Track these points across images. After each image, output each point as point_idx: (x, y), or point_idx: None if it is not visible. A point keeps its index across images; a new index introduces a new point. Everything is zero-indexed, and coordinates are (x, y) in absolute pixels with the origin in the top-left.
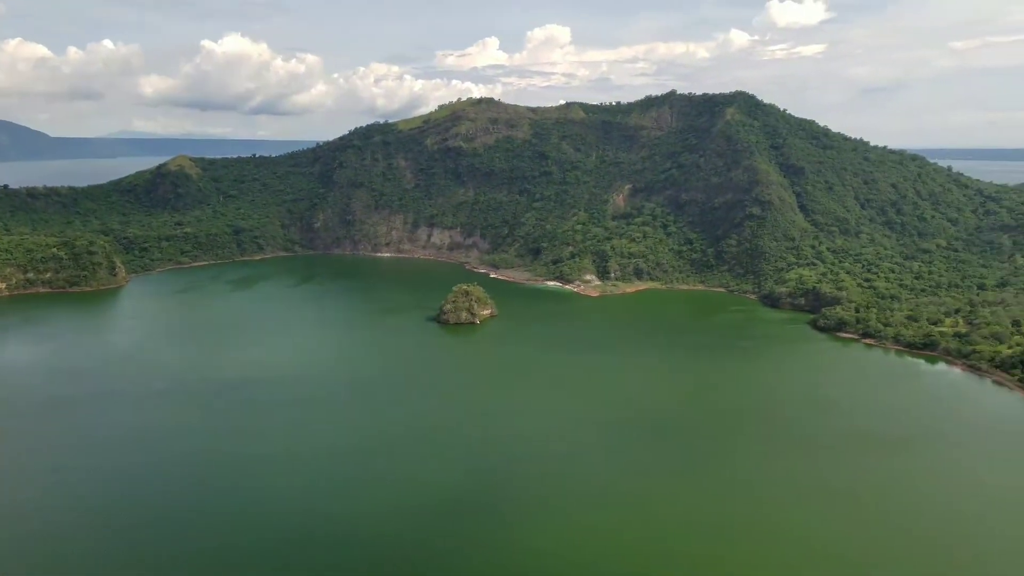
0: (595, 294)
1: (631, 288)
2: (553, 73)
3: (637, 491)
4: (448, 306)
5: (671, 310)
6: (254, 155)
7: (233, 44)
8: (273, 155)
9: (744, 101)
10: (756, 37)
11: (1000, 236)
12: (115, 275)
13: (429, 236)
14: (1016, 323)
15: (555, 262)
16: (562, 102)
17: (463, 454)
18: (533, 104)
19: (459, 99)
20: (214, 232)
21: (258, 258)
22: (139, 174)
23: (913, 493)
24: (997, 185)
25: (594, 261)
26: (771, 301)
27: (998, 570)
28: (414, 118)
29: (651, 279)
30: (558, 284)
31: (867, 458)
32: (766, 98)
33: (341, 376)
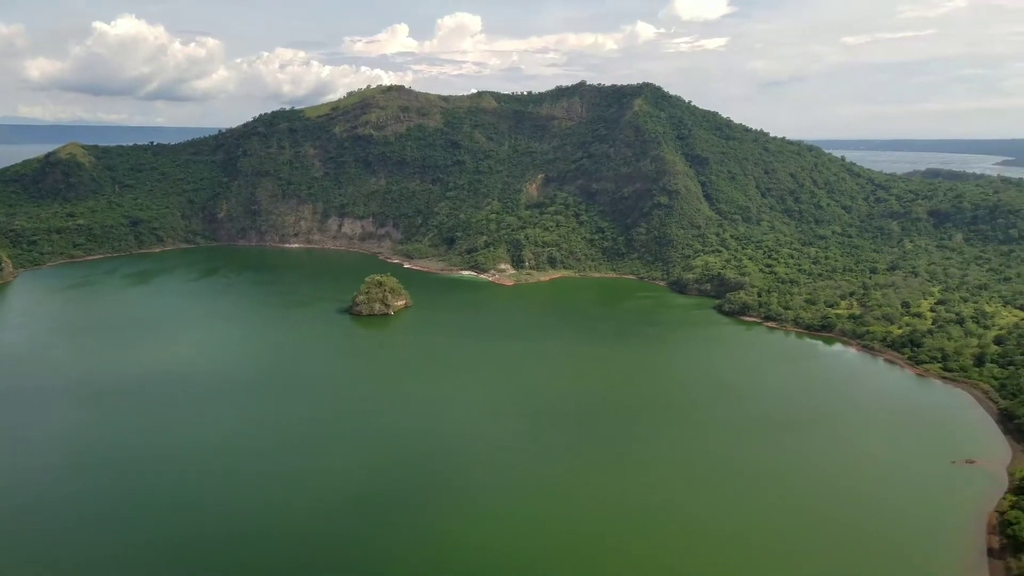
0: (510, 283)
1: (545, 276)
2: (464, 62)
3: (552, 477)
4: (361, 297)
5: (584, 298)
6: (152, 143)
7: (127, 26)
8: (172, 143)
9: (651, 92)
10: (661, 30)
11: (889, 223)
12: (0, 270)
13: (340, 226)
14: (905, 305)
15: (470, 251)
16: (474, 91)
17: (377, 446)
18: (444, 92)
19: (369, 86)
20: (109, 224)
21: (158, 251)
22: (26, 163)
23: (814, 470)
24: (886, 174)
25: (509, 250)
26: (679, 287)
27: (889, 541)
28: (322, 105)
29: (565, 267)
30: (473, 273)
31: (771, 438)
32: (672, 90)
33: (249, 372)
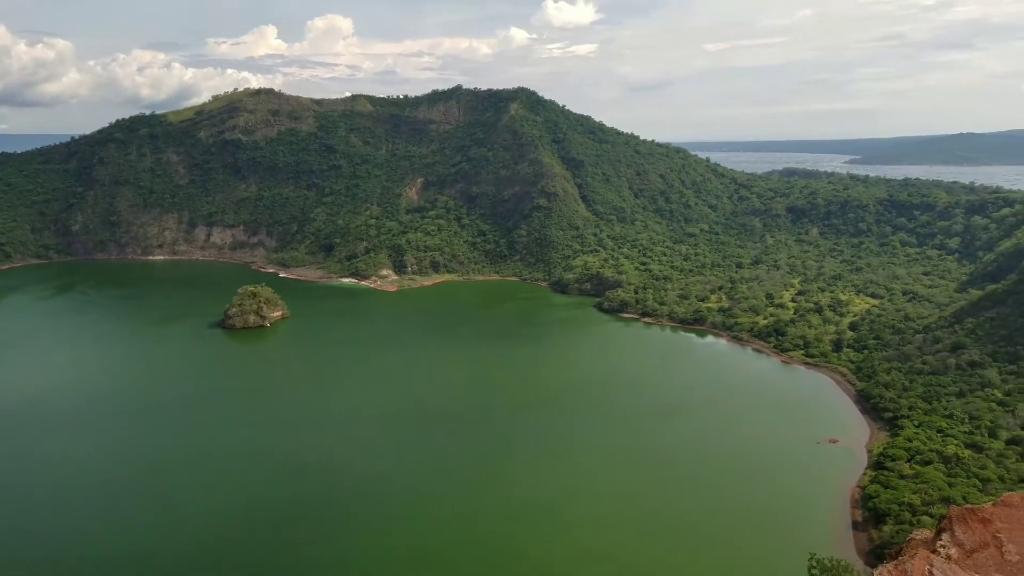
0: (392, 289)
1: (429, 281)
2: (337, 64)
3: (448, 480)
4: (234, 310)
5: (468, 301)
6: None
7: None
8: (19, 151)
9: (526, 97)
10: (534, 35)
11: (752, 219)
12: None
13: (208, 236)
14: (769, 296)
15: (349, 258)
16: (348, 94)
17: (256, 469)
18: (317, 96)
19: (236, 89)
20: None
21: (5, 267)
22: None
23: (695, 454)
24: (748, 174)
25: (390, 256)
26: (560, 287)
27: (766, 519)
28: (185, 109)
29: (448, 272)
30: (354, 281)
31: (654, 427)
32: (546, 94)
33: (110, 396)
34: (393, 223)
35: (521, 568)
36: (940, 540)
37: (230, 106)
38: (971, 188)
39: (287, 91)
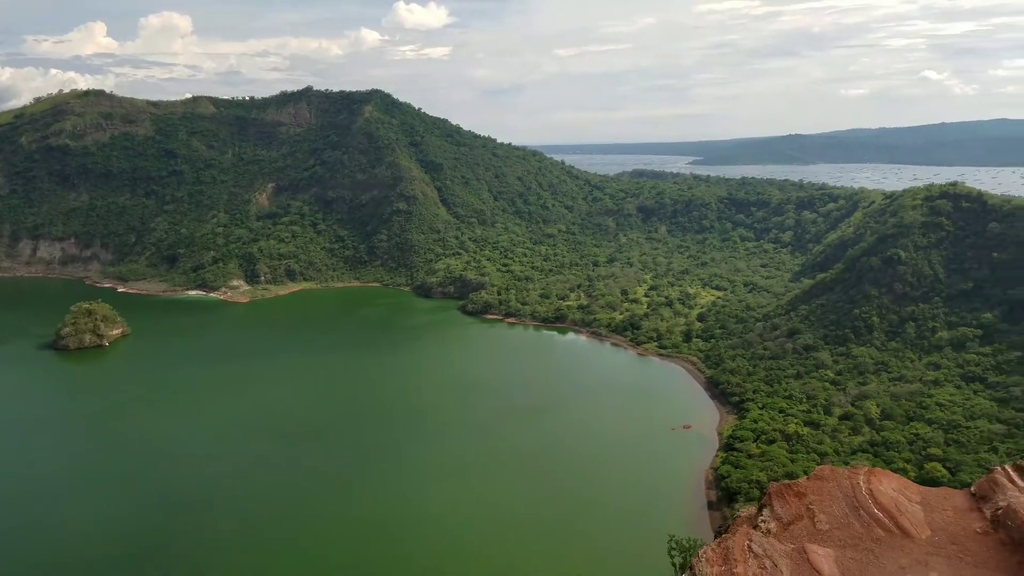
0: (245, 300)
1: (284, 291)
2: (175, 64)
3: (308, 495)
4: (67, 329)
5: (327, 309)
6: None
7: None
8: None
9: (381, 99)
10: (386, 37)
11: (606, 219)
12: None
13: (34, 250)
14: (624, 292)
15: (196, 269)
16: (188, 96)
17: (104, 499)
18: (154, 98)
19: (61, 91)
20: None
21: None
22: None
23: (561, 448)
24: (600, 175)
25: (241, 265)
26: (424, 291)
27: (627, 503)
28: (4, 112)
29: (305, 280)
30: (201, 293)
31: (520, 424)
32: (401, 96)
33: None
34: (243, 231)
35: None
36: (761, 515)
37: (55, 109)
38: (800, 185)
39: (120, 93)
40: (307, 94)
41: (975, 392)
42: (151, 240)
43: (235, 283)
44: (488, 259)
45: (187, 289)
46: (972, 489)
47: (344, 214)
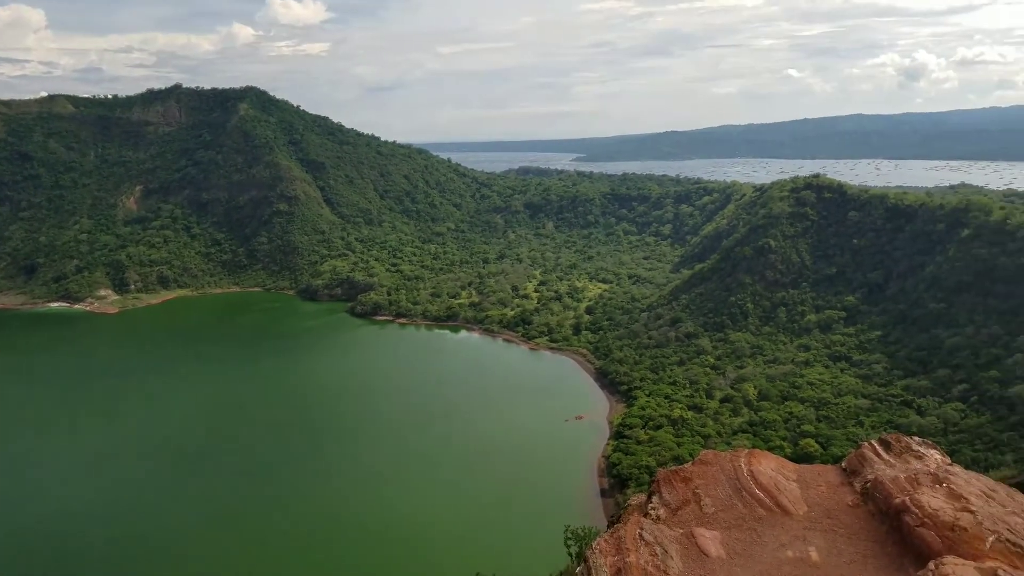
0: (114, 311)
1: (157, 299)
2: (28, 61)
3: (200, 531)
4: None
5: (205, 317)
6: None
7: None
8: None
9: (257, 96)
10: (260, 32)
11: (494, 216)
12: None
13: None
14: (515, 288)
15: (58, 279)
16: (44, 94)
17: None
18: (4, 96)
19: None
20: None
21: None
22: None
23: (460, 447)
24: (487, 173)
25: (108, 274)
26: (309, 294)
27: (525, 498)
28: None
29: (179, 287)
30: (65, 305)
31: (419, 427)
32: (279, 94)
33: None
34: (109, 237)
35: None
36: (651, 502)
37: None
38: (677, 180)
39: None
40: (177, 92)
41: (841, 370)
42: (6, 250)
43: (102, 293)
44: (376, 259)
45: (48, 301)
46: (843, 464)
47: (220, 216)
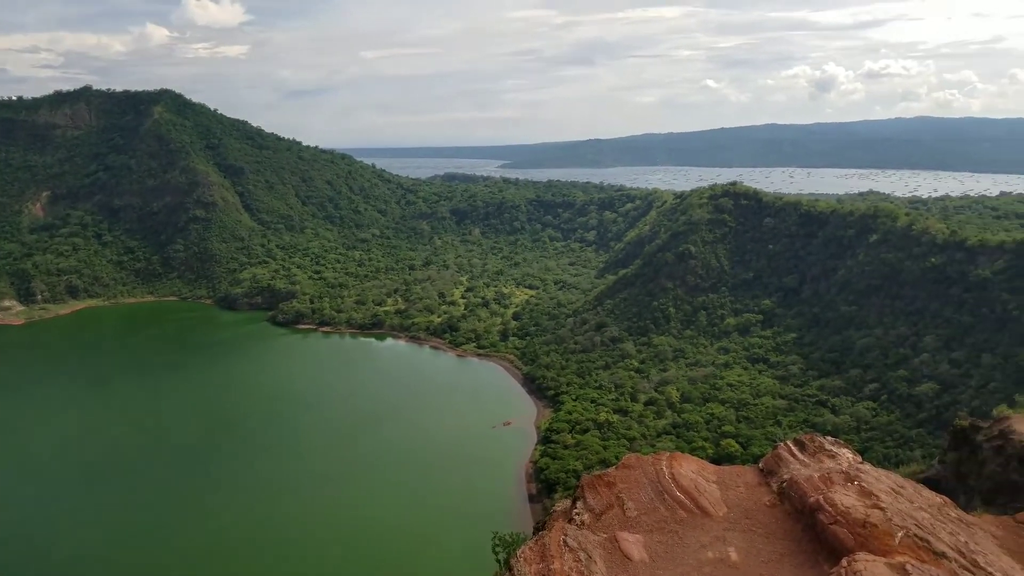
0: (19, 322)
1: (66, 309)
2: None
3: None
4: None
5: (117, 327)
6: None
7: None
8: None
9: (172, 99)
10: (176, 34)
11: (420, 223)
12: None
13: None
14: (442, 295)
15: None
16: None
17: None
18: None
19: None
20: None
21: None
22: None
23: (389, 456)
24: (412, 179)
25: (13, 283)
26: (228, 303)
27: (454, 504)
28: None
29: (90, 296)
30: None
31: (344, 438)
32: (196, 97)
33: None
34: (14, 245)
35: None
36: (575, 508)
37: None
38: (601, 187)
39: None
40: (86, 94)
41: (759, 372)
42: None
43: (6, 304)
44: (298, 266)
45: None
46: (760, 465)
47: (134, 223)
